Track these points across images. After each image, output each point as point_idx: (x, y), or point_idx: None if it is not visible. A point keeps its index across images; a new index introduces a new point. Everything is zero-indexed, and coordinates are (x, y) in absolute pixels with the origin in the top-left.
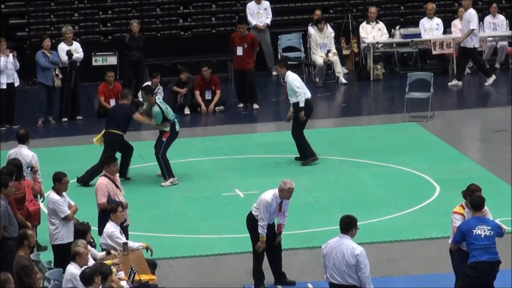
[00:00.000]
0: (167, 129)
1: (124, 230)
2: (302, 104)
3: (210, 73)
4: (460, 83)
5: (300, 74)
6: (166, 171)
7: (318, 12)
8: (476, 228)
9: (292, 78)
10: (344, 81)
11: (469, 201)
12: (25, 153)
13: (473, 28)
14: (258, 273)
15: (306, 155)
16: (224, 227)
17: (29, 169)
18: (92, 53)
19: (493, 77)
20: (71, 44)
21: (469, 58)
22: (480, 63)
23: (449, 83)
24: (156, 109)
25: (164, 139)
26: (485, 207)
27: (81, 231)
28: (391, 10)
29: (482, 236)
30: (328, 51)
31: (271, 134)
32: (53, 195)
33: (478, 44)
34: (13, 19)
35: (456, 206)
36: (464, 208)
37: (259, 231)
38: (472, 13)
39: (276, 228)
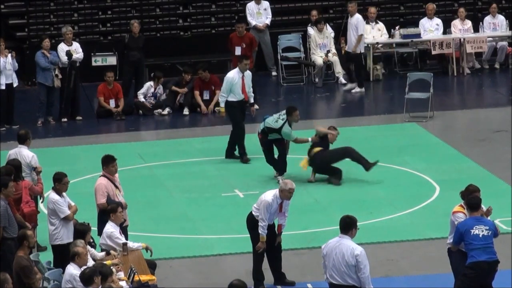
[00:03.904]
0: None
1: (124, 230)
2: None
3: (207, 73)
4: (363, 89)
5: (300, 74)
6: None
7: (314, 12)
8: (474, 228)
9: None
10: (343, 81)
11: (466, 201)
12: (25, 153)
13: (361, 34)
14: (257, 274)
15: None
16: (224, 227)
17: (33, 169)
18: (92, 53)
19: (362, 90)
20: (71, 45)
21: (353, 62)
22: (360, 70)
23: (352, 90)
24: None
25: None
26: (483, 207)
27: (81, 231)
28: (391, 10)
29: (480, 236)
30: (328, 51)
31: None
32: (53, 195)
33: (363, 49)
34: (12, 19)
35: (455, 206)
36: (464, 208)
37: (260, 231)
38: (359, 18)
39: (276, 229)
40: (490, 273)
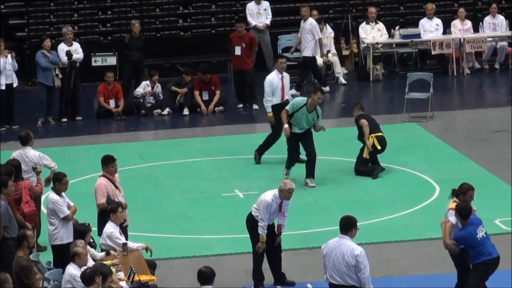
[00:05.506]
0: None
1: (124, 230)
2: None
3: (207, 76)
4: (299, 93)
5: None
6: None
7: (314, 12)
8: (477, 233)
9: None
10: (343, 81)
11: (457, 211)
12: (31, 154)
13: (320, 37)
14: (257, 274)
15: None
16: (224, 227)
17: (33, 169)
18: (92, 54)
19: (327, 89)
20: (71, 45)
21: (309, 67)
22: (318, 73)
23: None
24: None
25: None
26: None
27: (81, 231)
28: (391, 10)
29: (484, 236)
30: (328, 51)
31: None
32: (52, 195)
33: (317, 53)
34: (12, 19)
35: (449, 202)
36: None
37: (259, 231)
38: (313, 22)
39: (276, 229)
40: (495, 269)
